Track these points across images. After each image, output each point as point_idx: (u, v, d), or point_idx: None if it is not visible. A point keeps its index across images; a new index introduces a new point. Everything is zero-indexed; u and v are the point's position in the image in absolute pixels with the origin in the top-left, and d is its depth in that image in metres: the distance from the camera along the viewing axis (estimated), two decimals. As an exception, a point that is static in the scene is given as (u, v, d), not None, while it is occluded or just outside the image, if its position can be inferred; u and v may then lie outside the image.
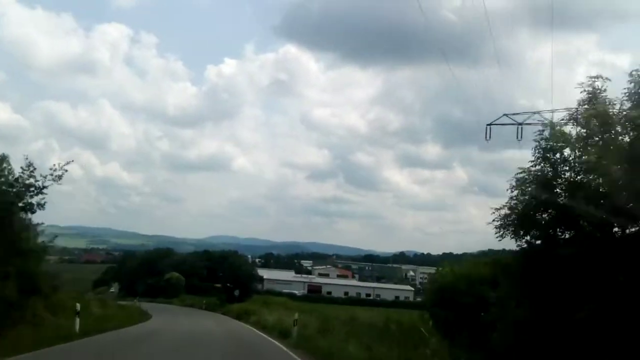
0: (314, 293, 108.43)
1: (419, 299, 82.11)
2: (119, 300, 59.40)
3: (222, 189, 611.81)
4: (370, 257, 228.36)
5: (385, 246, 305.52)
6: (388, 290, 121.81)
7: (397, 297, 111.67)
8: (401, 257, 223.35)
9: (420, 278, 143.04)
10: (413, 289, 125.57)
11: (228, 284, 77.21)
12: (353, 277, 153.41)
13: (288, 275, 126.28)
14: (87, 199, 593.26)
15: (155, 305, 59.45)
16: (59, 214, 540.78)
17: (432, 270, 39.01)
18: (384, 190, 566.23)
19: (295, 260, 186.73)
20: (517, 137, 30.22)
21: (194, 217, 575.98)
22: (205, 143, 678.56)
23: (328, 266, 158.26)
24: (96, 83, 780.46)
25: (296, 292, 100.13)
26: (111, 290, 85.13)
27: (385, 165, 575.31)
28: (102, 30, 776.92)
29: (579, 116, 12.50)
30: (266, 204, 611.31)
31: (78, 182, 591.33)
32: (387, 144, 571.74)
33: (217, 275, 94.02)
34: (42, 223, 19.72)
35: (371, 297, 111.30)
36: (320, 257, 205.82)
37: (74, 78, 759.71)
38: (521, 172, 12.89)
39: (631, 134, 11.51)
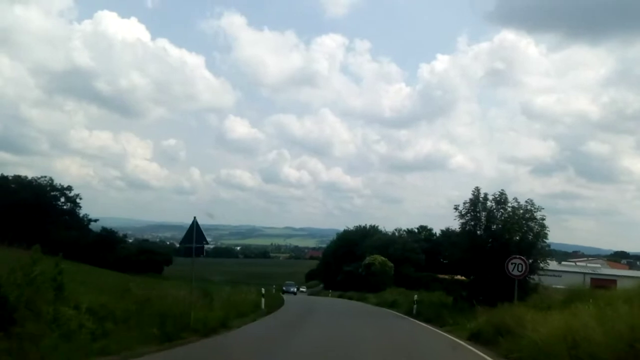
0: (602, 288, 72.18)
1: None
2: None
3: (440, 188, 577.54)
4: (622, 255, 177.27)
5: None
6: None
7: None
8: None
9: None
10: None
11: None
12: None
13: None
14: (315, 202, 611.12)
15: (331, 302, 46.89)
16: (294, 217, 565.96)
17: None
18: (624, 182, 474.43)
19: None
20: None
21: (412, 217, 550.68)
22: (420, 142, 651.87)
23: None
24: (317, 94, 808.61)
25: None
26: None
27: (624, 153, 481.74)
28: (320, 42, 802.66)
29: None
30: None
31: (307, 187, 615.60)
32: (625, 130, 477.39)
33: (440, 263, 64.95)
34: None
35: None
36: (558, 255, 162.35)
37: (298, 91, 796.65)
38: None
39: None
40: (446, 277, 52.34)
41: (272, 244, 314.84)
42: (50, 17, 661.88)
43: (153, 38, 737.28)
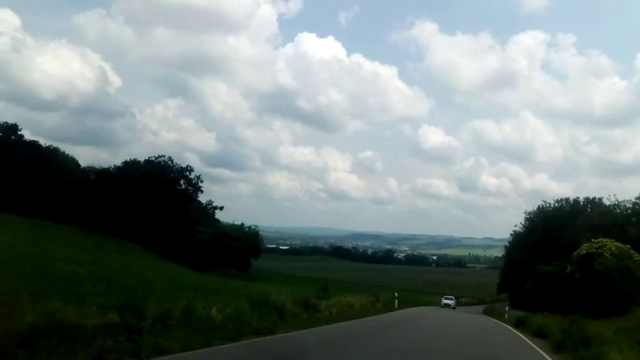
0: None
1: None
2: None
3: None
4: None
5: None
6: None
7: None
8: None
9: None
10: None
11: None
12: None
13: None
14: (517, 212, 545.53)
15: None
16: (494, 227, 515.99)
17: None
18: None
19: None
20: None
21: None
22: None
23: None
24: (516, 95, 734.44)
25: None
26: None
27: None
28: (517, 41, 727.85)
29: None
30: None
31: (508, 195, 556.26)
32: None
33: None
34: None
35: None
36: None
37: (495, 94, 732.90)
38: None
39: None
40: None
41: (469, 254, 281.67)
42: (258, 44, 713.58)
43: (348, 54, 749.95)
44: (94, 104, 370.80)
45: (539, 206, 50.40)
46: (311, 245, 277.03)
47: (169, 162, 62.46)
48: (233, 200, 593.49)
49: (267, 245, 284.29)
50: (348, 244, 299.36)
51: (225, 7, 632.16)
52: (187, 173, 63.45)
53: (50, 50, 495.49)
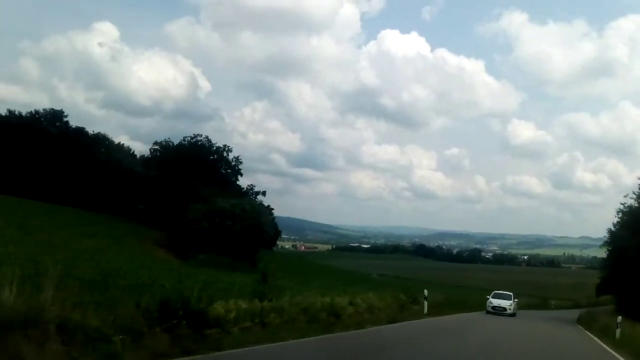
0: None
1: None
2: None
3: None
4: None
5: None
6: None
7: None
8: None
9: None
10: None
11: None
12: None
13: None
14: (615, 211, 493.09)
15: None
16: (592, 225, 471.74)
17: None
18: None
19: None
20: None
21: None
22: None
23: None
24: (615, 85, 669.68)
25: None
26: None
27: None
28: (615, 27, 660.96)
29: None
30: None
31: (607, 192, 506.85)
32: None
33: None
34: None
35: None
36: None
37: (591, 84, 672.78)
38: None
39: None
40: None
41: (564, 254, 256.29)
42: (341, 43, 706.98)
43: (432, 49, 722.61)
44: (186, 109, 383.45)
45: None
46: (395, 244, 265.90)
47: (206, 143, 55.77)
48: (318, 199, 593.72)
49: (350, 244, 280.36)
50: (433, 243, 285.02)
51: (308, 7, 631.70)
52: (226, 154, 56.39)
53: (145, 58, 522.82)
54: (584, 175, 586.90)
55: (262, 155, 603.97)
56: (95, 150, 58.93)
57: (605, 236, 37.98)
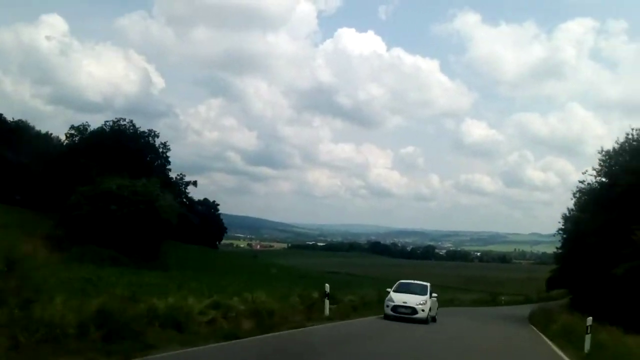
0: None
1: None
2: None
3: None
4: None
5: None
6: None
7: None
8: None
9: None
10: None
11: None
12: None
13: None
14: (565, 207, 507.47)
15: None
16: (542, 223, 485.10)
17: None
18: None
19: None
20: None
21: None
22: None
23: None
24: (563, 86, 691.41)
25: None
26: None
27: None
28: (564, 29, 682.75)
29: None
30: None
31: (555, 190, 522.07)
32: None
33: None
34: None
35: None
36: None
37: (540, 85, 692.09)
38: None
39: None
40: None
41: (515, 250, 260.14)
42: (298, 40, 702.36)
43: (388, 48, 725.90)
44: (138, 105, 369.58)
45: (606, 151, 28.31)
46: (351, 241, 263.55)
47: (129, 128, 49.50)
48: (274, 198, 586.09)
49: (307, 242, 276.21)
50: (389, 241, 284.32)
51: (264, 3, 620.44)
52: (152, 140, 50.36)
53: (95, 53, 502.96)
54: (533, 173, 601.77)
55: (217, 153, 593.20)
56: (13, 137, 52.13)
57: (558, 231, 34.16)
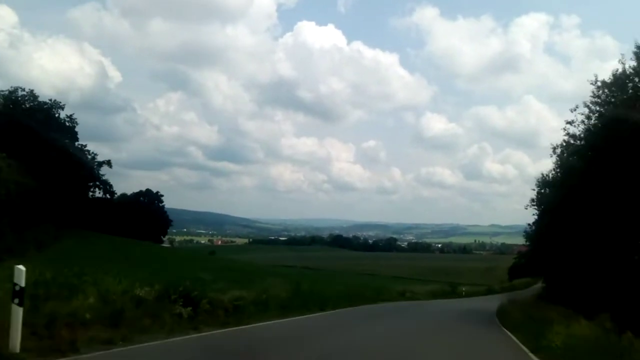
0: None
1: None
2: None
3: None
4: None
5: None
6: None
7: None
8: None
9: None
10: None
11: None
12: None
13: None
14: (523, 199, 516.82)
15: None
16: (500, 214, 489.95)
17: None
18: None
19: None
20: None
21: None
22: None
23: None
24: (520, 79, 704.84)
25: None
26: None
27: None
28: (519, 23, 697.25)
29: None
30: None
31: (513, 182, 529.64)
32: None
33: None
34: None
35: None
36: None
37: (497, 78, 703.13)
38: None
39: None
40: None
41: (475, 242, 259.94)
42: (257, 34, 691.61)
43: (348, 42, 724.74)
44: (94, 100, 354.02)
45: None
46: (313, 235, 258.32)
47: (28, 98, 41.11)
48: (237, 193, 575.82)
49: (270, 237, 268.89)
50: (352, 235, 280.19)
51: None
52: (55, 112, 42.20)
53: (47, 46, 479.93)
54: (492, 166, 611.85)
55: (178, 148, 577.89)
56: None
57: (531, 202, 27.63)
